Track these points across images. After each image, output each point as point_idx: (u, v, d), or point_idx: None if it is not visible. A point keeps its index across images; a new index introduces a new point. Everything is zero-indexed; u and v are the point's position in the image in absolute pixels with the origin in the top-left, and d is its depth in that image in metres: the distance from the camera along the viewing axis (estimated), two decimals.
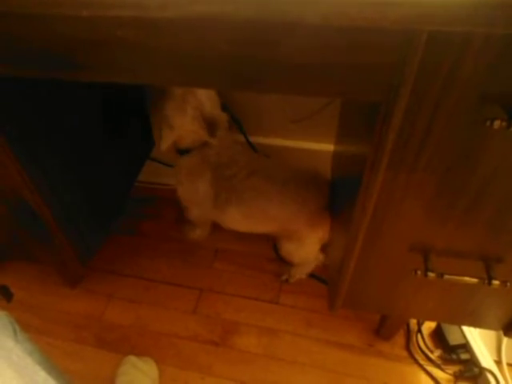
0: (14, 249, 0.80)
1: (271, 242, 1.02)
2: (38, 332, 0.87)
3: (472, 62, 0.32)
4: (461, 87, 0.34)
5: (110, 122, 0.86)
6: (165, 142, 0.79)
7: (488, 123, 0.34)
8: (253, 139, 1.00)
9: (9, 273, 0.96)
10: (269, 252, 1.01)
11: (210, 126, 0.78)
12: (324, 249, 0.90)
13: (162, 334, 0.87)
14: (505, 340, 0.80)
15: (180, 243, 1.03)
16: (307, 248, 0.86)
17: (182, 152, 0.86)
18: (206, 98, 0.79)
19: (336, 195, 0.77)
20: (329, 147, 0.97)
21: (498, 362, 0.78)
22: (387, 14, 0.27)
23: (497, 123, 0.34)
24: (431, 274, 0.50)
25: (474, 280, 0.50)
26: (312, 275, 0.94)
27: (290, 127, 0.96)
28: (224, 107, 0.85)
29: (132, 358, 0.79)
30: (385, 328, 0.82)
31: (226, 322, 0.88)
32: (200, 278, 0.96)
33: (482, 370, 0.76)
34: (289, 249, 0.88)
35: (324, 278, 0.94)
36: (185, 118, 0.77)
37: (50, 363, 0.47)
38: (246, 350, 0.84)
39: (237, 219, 0.86)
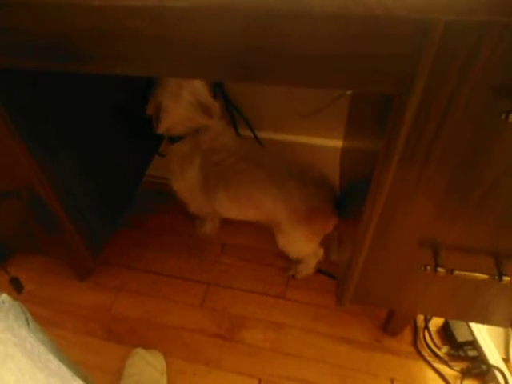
0: (26, 242, 0.80)
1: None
2: (48, 324, 0.88)
3: (488, 53, 0.31)
4: (476, 79, 0.33)
5: (120, 115, 0.86)
6: (162, 126, 0.81)
7: (503, 116, 0.34)
8: (259, 134, 1.00)
9: (20, 265, 0.97)
10: (276, 247, 1.00)
11: (205, 111, 0.80)
12: (324, 244, 0.89)
13: (170, 327, 0.88)
14: None
15: (187, 237, 1.04)
16: (297, 243, 0.84)
17: (173, 139, 0.85)
18: (201, 85, 0.81)
19: (346, 190, 0.77)
20: (337, 143, 0.97)
21: (506, 360, 0.78)
22: (406, 3, 0.27)
23: None
24: (441, 270, 0.50)
25: (485, 276, 0.49)
26: (320, 270, 0.94)
27: (297, 122, 0.96)
28: (215, 96, 0.87)
29: (140, 351, 0.80)
30: (392, 324, 0.82)
31: (233, 315, 0.89)
32: (207, 272, 0.97)
33: (490, 367, 0.76)
34: (281, 242, 0.87)
35: (331, 272, 0.94)
36: (180, 104, 0.79)
37: (62, 353, 0.48)
38: (253, 344, 0.84)
39: (225, 205, 0.85)
